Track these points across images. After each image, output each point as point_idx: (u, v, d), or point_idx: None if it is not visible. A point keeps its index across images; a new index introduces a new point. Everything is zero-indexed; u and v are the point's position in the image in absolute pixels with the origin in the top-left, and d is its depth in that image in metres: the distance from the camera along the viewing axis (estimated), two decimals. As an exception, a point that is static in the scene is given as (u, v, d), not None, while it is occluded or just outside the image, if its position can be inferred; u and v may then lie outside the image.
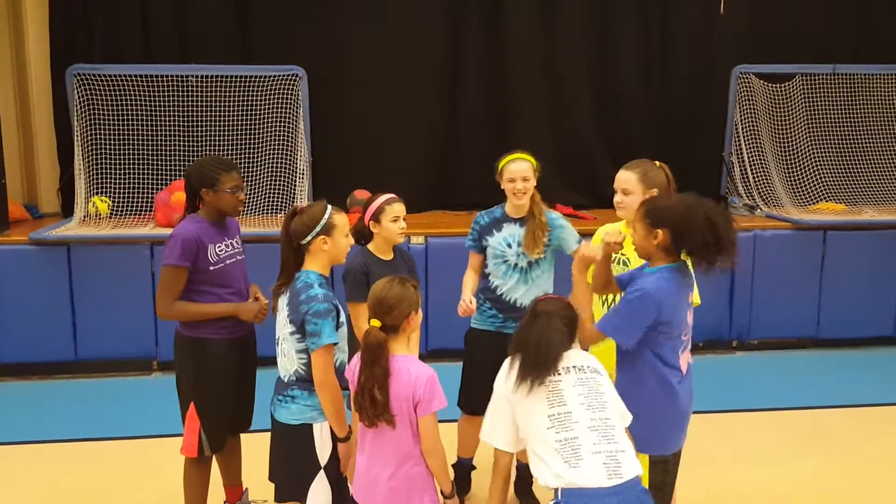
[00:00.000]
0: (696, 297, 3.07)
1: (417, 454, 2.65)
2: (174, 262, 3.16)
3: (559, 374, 2.60)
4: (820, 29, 7.20)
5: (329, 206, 2.92)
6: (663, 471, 2.80)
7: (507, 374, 2.68)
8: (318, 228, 2.85)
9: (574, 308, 2.79)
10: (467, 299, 3.57)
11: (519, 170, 3.59)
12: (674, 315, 2.69)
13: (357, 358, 2.73)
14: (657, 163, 3.30)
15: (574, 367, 2.64)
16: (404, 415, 2.61)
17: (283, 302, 2.91)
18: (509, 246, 3.64)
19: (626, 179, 3.22)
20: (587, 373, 2.64)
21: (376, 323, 2.64)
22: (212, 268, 3.24)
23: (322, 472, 2.84)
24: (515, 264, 3.64)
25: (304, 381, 2.84)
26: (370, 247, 3.51)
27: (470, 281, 3.73)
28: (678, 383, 2.76)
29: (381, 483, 2.65)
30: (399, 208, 3.48)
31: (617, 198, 3.25)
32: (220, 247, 3.28)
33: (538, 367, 2.58)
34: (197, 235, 3.20)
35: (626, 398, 2.69)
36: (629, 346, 2.71)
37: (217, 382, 3.28)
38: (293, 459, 2.88)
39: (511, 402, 2.64)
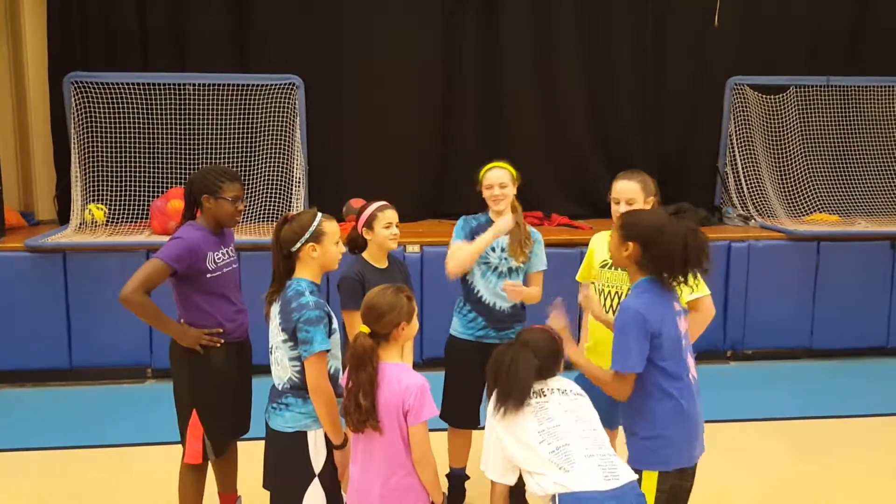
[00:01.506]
0: (683, 301, 3.11)
1: (409, 464, 2.65)
2: (168, 259, 3.17)
3: (545, 395, 2.68)
4: (814, 41, 7.25)
5: (319, 214, 2.93)
6: (675, 485, 2.74)
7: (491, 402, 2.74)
8: (306, 236, 2.86)
9: (556, 339, 2.86)
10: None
11: (496, 177, 3.66)
12: (660, 324, 2.66)
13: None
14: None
15: (558, 389, 2.72)
16: (394, 423, 2.61)
17: (274, 310, 2.91)
18: (493, 250, 3.67)
19: (631, 189, 3.26)
20: (570, 395, 2.73)
21: (365, 329, 2.65)
22: (209, 276, 3.26)
23: (316, 480, 2.84)
24: (496, 267, 3.67)
25: (298, 388, 2.84)
26: (365, 255, 3.52)
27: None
28: (685, 395, 2.71)
29: (374, 492, 2.65)
30: (391, 214, 3.49)
31: (621, 208, 3.27)
32: (218, 255, 3.31)
33: (508, 394, 2.65)
34: (199, 244, 3.23)
35: (635, 417, 2.71)
36: (642, 367, 2.64)
37: (217, 387, 3.29)
38: (287, 467, 2.88)
39: (499, 430, 2.67)
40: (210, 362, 3.26)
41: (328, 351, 2.80)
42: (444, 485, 3.79)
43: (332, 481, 2.87)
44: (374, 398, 2.59)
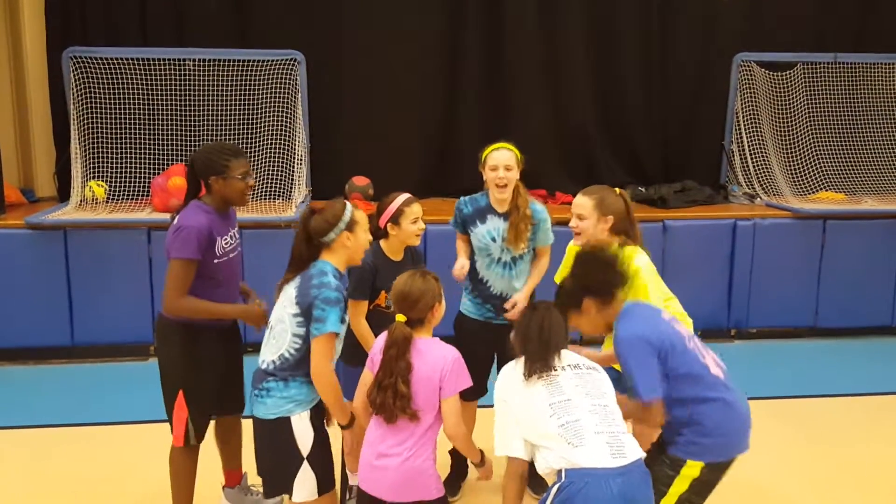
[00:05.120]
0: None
1: (430, 450, 2.68)
2: (189, 255, 3.05)
3: (556, 371, 2.66)
4: (821, 17, 7.14)
5: (348, 203, 2.95)
6: (714, 475, 2.77)
7: (507, 376, 2.73)
8: (341, 225, 2.87)
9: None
10: (460, 264, 3.61)
11: (501, 158, 3.53)
12: (661, 336, 2.69)
13: (377, 346, 2.78)
14: (617, 190, 3.32)
15: (570, 365, 2.71)
16: (426, 402, 2.65)
17: (290, 286, 2.88)
18: (493, 240, 3.62)
19: (582, 205, 3.24)
20: (583, 369, 2.71)
21: (401, 318, 2.70)
22: (216, 261, 3.17)
23: (305, 463, 2.81)
24: (499, 258, 3.63)
25: (285, 368, 2.81)
26: (383, 244, 3.46)
27: (464, 247, 3.75)
28: (721, 389, 2.74)
29: (389, 475, 2.66)
30: (418, 209, 3.43)
31: (572, 222, 3.28)
32: (225, 239, 3.23)
33: (543, 353, 2.64)
34: (210, 227, 3.12)
35: (684, 426, 2.70)
36: (662, 389, 2.65)
37: (204, 370, 3.23)
38: (276, 454, 2.85)
39: (513, 405, 2.65)
40: (198, 345, 3.20)
41: (337, 335, 2.78)
42: (447, 465, 3.80)
43: (322, 462, 2.85)
44: (410, 384, 2.63)
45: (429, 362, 2.67)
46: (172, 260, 3.08)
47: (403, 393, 2.62)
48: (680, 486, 2.68)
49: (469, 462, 3.85)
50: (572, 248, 3.44)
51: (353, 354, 3.24)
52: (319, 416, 2.87)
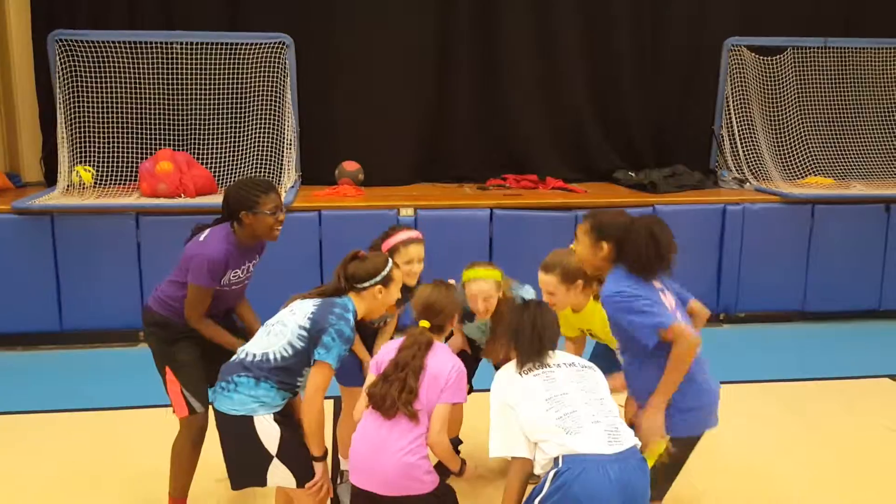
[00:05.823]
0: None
1: (424, 449, 2.69)
2: (202, 283, 3.18)
3: (551, 367, 2.70)
4: (812, 1, 7.13)
5: (389, 259, 3.02)
6: (681, 451, 2.81)
7: (503, 379, 2.75)
8: (378, 279, 2.92)
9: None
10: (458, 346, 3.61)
11: (481, 291, 3.35)
12: (649, 294, 2.75)
13: (385, 351, 2.84)
14: (572, 247, 3.26)
15: (565, 363, 2.75)
16: (430, 398, 2.69)
17: (306, 301, 2.90)
18: (483, 332, 3.61)
19: (548, 282, 3.26)
20: (578, 367, 2.76)
21: (425, 324, 2.82)
22: (217, 288, 3.25)
23: (276, 460, 2.77)
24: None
25: (260, 368, 2.77)
26: None
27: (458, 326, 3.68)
28: (693, 368, 2.76)
29: (384, 469, 2.66)
30: (415, 251, 3.37)
31: (544, 298, 3.29)
32: (235, 272, 3.28)
33: (537, 347, 2.70)
34: (226, 259, 3.21)
35: (647, 395, 2.75)
36: (654, 341, 2.69)
37: (183, 352, 3.30)
38: (242, 450, 2.80)
39: (514, 404, 2.65)
40: (177, 334, 3.30)
41: (333, 371, 2.80)
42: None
43: (296, 457, 2.80)
44: (418, 382, 2.69)
45: (438, 365, 2.73)
46: (190, 282, 3.21)
47: (412, 387, 2.66)
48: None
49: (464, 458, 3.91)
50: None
51: None
52: (286, 414, 2.82)
